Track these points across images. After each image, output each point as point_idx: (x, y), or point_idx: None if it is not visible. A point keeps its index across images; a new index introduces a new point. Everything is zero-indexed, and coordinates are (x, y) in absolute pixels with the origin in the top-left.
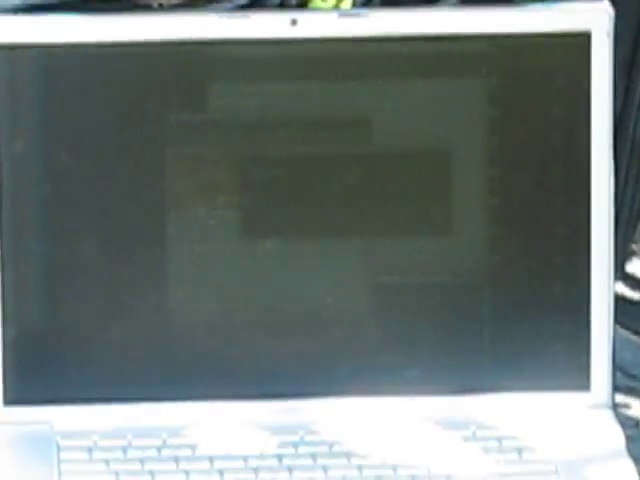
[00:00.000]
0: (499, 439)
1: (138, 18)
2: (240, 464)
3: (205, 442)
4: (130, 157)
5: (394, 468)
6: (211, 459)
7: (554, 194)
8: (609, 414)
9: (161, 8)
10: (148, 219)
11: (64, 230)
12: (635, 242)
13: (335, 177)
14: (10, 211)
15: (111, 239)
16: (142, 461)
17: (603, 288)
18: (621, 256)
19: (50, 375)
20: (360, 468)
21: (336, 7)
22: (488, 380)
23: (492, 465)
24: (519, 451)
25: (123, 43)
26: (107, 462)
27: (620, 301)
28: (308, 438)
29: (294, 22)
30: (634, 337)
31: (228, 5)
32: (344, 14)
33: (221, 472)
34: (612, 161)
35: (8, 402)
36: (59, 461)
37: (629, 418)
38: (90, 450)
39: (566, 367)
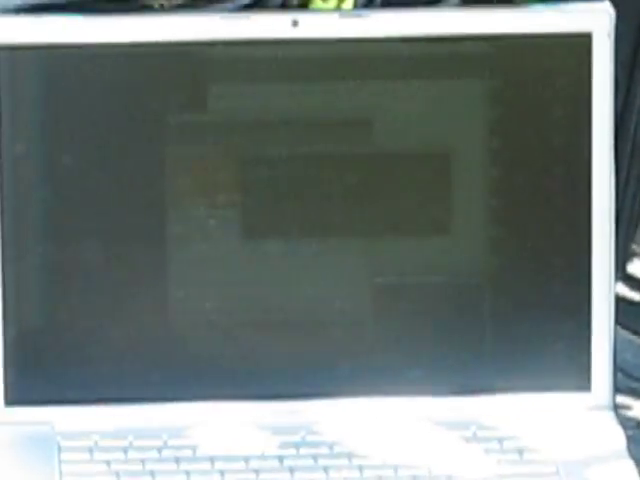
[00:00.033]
0: (500, 440)
1: (140, 19)
2: (241, 465)
3: (206, 443)
4: (132, 157)
5: (395, 469)
6: (212, 460)
7: (555, 194)
8: (610, 415)
9: (162, 9)
10: (149, 219)
11: (65, 231)
12: (636, 243)
13: (336, 177)
14: (11, 212)
15: (112, 239)
16: (143, 462)
17: (604, 289)
18: (622, 257)
19: (51, 376)
20: (361, 469)
21: (337, 8)
22: (489, 381)
23: (493, 466)
24: (520, 452)
25: (124, 44)
26: (108, 463)
27: (621, 302)
28: (309, 439)
29: (295, 23)
30: (635, 338)
31: (229, 6)
32: (345, 15)
33: (222, 473)
34: (613, 162)
35: (9, 402)
36: (60, 462)
37: (630, 419)
38: (91, 451)
39: (567, 368)
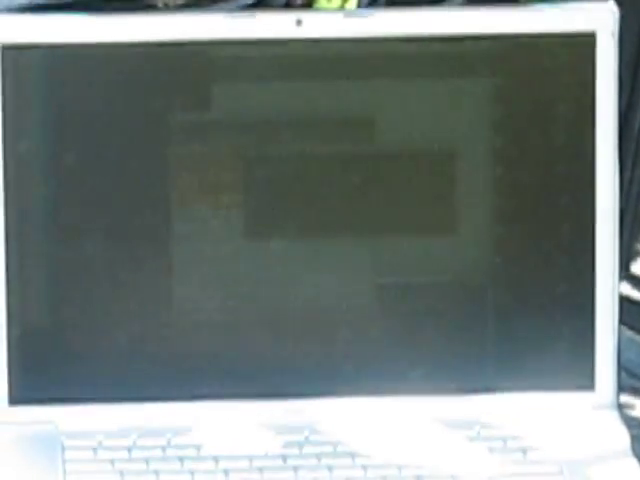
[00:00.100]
0: (504, 439)
1: (143, 18)
2: (245, 464)
3: (210, 442)
4: (135, 156)
5: (399, 468)
6: (216, 459)
7: (559, 194)
8: (614, 414)
9: (166, 8)
10: (152, 219)
11: (68, 230)
12: None
13: (340, 177)
14: (15, 211)
15: (116, 239)
16: (147, 461)
17: (608, 288)
18: (626, 256)
19: (55, 375)
20: (365, 468)
21: (341, 7)
22: (493, 380)
23: (497, 465)
24: (524, 451)
25: (128, 43)
26: (112, 462)
27: (625, 301)
28: (313, 438)
29: (299, 22)
30: (639, 337)
31: (234, 5)
32: (349, 14)
33: (226, 472)
34: (617, 161)
35: (13, 402)
36: (64, 461)
37: (634, 418)
38: (95, 450)
39: (571, 367)
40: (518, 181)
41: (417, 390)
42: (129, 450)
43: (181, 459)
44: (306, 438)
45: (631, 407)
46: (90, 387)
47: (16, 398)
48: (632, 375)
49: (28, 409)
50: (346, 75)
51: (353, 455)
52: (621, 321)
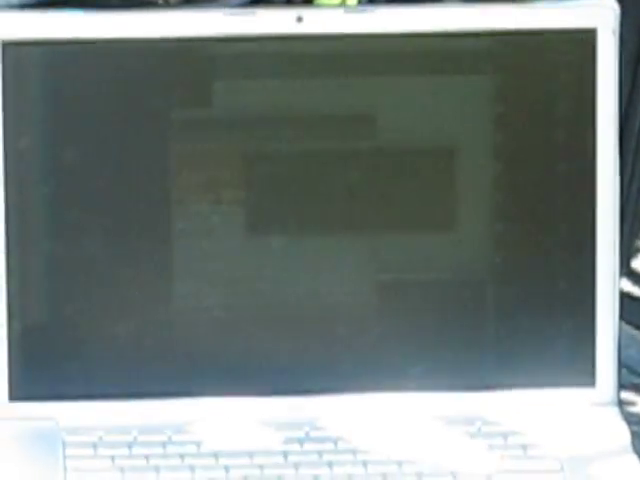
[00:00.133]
0: (504, 435)
1: (144, 15)
2: (245, 460)
3: (210, 438)
4: (136, 153)
5: (399, 464)
6: (216, 455)
7: (559, 190)
8: (614, 411)
9: (167, 4)
10: (153, 215)
11: (69, 227)
12: None
13: (340, 174)
14: (16, 207)
15: (116, 236)
16: (147, 457)
17: (608, 284)
18: (626, 252)
19: (55, 371)
20: (365, 464)
21: (342, 4)
22: (493, 376)
23: (497, 461)
24: (524, 447)
25: (128, 40)
26: (112, 458)
27: (625, 298)
28: (313, 434)
29: (300, 19)
30: (639, 333)
31: (234, 2)
32: (350, 10)
33: (226, 468)
34: (618, 157)
35: (14, 398)
36: (64, 457)
37: (634, 415)
38: (95, 446)
39: (571, 364)
40: (518, 178)
41: (417, 387)
42: (129, 446)
43: (181, 455)
44: (307, 434)
45: (632, 404)
46: (91, 383)
47: (16, 394)
48: (633, 372)
49: (29, 405)
50: (347, 72)
51: (354, 451)
52: (621, 318)
